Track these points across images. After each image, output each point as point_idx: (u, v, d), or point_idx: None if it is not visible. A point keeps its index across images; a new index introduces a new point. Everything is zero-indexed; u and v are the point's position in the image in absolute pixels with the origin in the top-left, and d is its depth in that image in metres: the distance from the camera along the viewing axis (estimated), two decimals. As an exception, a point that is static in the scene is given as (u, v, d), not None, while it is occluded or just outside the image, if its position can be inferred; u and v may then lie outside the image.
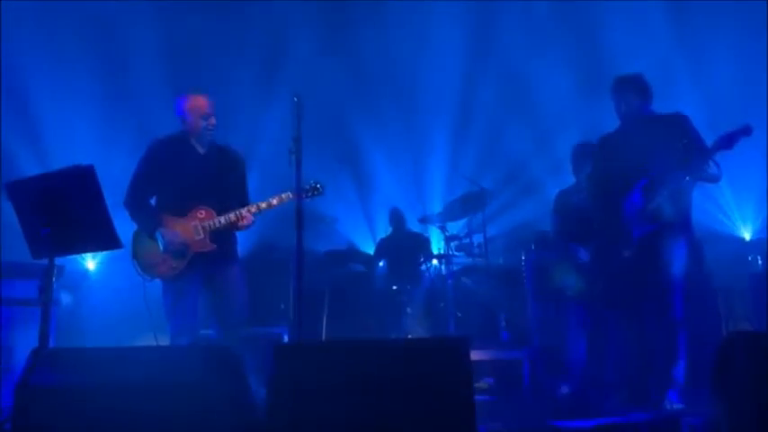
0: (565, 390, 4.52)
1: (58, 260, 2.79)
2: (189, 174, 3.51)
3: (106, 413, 1.97)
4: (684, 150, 3.56)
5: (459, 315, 5.64)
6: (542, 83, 5.83)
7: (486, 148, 6.32)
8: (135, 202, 3.53)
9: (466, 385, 1.95)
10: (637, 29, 5.57)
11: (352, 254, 6.27)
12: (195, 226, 3.45)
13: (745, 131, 3.34)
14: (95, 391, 2.01)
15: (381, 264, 6.31)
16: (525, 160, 6.10)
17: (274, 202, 3.49)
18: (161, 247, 3.40)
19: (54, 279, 2.75)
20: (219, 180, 3.56)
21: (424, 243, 6.34)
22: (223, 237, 3.51)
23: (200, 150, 3.61)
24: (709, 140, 3.49)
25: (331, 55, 6.15)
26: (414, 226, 6.51)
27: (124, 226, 3.12)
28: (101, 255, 5.69)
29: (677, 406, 3.43)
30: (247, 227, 3.53)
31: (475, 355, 4.95)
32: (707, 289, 4.89)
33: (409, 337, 5.39)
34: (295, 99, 3.44)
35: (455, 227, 6.35)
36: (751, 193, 5.73)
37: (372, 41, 6.15)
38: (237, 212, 3.47)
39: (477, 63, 6.21)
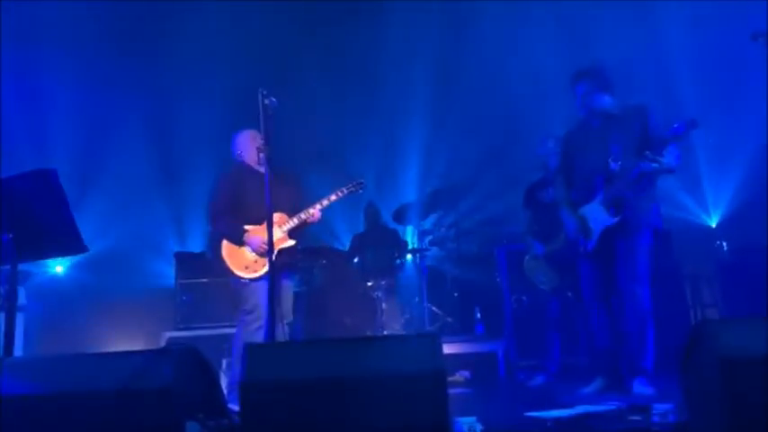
0: (540, 381, 4.58)
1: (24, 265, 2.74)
2: (258, 190, 3.90)
3: (74, 422, 1.93)
4: (640, 142, 3.63)
5: (435, 309, 5.66)
6: (521, 76, 5.84)
7: (461, 141, 6.32)
8: (222, 221, 4.10)
9: (439, 380, 1.95)
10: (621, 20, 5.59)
11: (326, 250, 6.24)
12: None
13: (692, 124, 3.42)
14: (62, 399, 1.97)
15: (356, 260, 6.30)
16: (501, 154, 6.10)
17: (333, 197, 4.12)
18: (250, 251, 4.01)
19: (19, 285, 2.69)
20: (280, 191, 3.96)
21: (398, 238, 6.35)
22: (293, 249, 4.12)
23: (261, 170, 4.04)
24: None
25: (305, 51, 6.11)
26: (388, 221, 6.50)
27: (90, 230, 3.07)
28: (69, 259, 5.58)
29: (647, 392, 3.50)
30: (316, 221, 4.14)
31: (450, 349, 4.98)
32: (675, 276, 4.99)
33: (385, 333, 5.39)
34: (266, 100, 3.42)
35: (429, 221, 6.36)
36: (717, 178, 5.81)
37: (347, 36, 6.12)
38: (306, 211, 4.06)
39: (454, 55, 6.20)
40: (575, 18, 5.62)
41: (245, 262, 4.05)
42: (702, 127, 3.45)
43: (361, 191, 4.25)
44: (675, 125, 3.47)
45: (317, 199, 4.13)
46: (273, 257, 3.90)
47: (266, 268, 3.95)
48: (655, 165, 3.52)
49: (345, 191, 4.16)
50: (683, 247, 5.17)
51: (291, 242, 4.10)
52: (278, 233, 4.00)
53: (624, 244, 3.70)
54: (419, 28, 6.18)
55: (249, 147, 4.17)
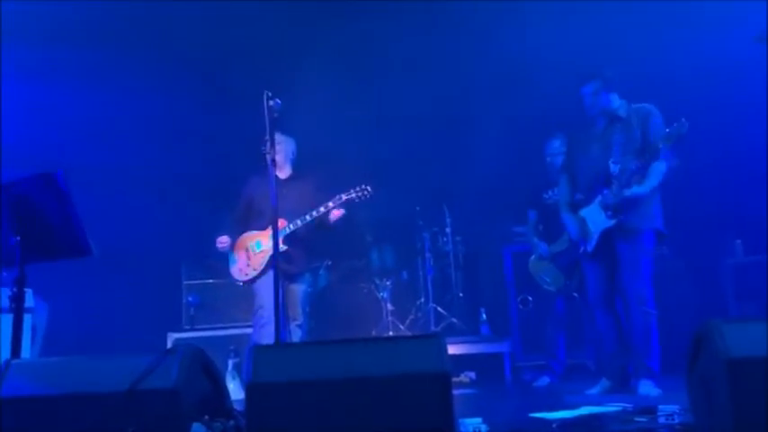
0: (545, 381, 4.58)
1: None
2: (267, 196, 3.97)
3: (80, 423, 1.94)
4: (641, 144, 3.65)
5: (440, 310, 5.66)
6: (529, 76, 5.79)
7: (469, 142, 6.28)
8: (232, 228, 4.32)
9: (444, 381, 1.95)
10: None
11: (332, 251, 6.24)
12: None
13: (681, 128, 3.45)
14: (68, 400, 1.99)
15: (361, 261, 6.30)
16: (510, 153, 6.05)
17: (330, 204, 4.07)
18: (244, 254, 4.20)
19: (26, 288, 2.70)
20: (293, 197, 4.05)
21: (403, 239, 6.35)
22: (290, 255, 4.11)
23: (281, 176, 4.19)
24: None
25: (310, 51, 6.08)
26: (393, 222, 6.49)
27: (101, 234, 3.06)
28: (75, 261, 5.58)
29: (653, 394, 3.49)
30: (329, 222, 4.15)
31: (456, 349, 4.99)
32: (682, 277, 4.98)
33: (390, 334, 5.39)
34: (271, 102, 3.41)
35: (435, 222, 6.34)
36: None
37: (355, 35, 6.08)
38: (302, 218, 4.06)
39: (463, 57, 6.15)
40: (580, 21, 5.58)
41: (239, 265, 4.22)
42: (694, 128, 3.47)
43: (366, 197, 4.10)
44: (667, 129, 3.51)
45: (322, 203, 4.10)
46: (266, 263, 4.08)
47: (257, 272, 4.13)
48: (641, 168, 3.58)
49: (345, 197, 4.07)
50: (690, 248, 5.15)
51: (284, 248, 4.00)
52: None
53: (627, 246, 3.71)
54: (429, 27, 6.13)
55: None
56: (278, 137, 3.96)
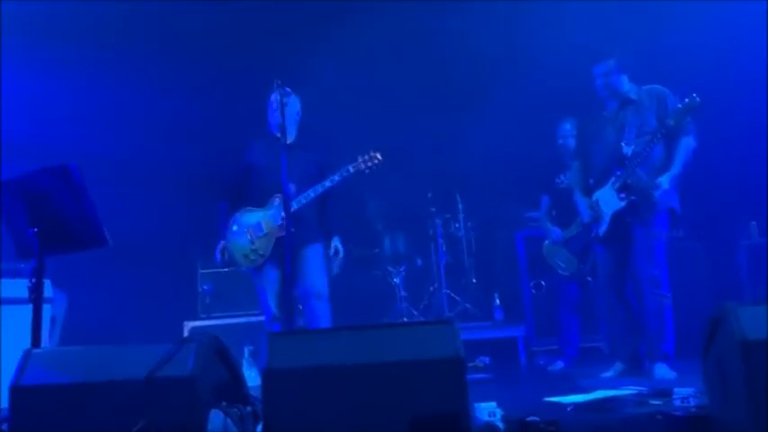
0: (560, 365, 4.58)
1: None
2: (267, 164, 3.74)
3: (99, 411, 1.98)
4: (656, 126, 3.62)
5: (453, 296, 5.67)
6: (538, 63, 5.74)
7: (481, 126, 6.24)
8: (220, 205, 3.98)
9: (458, 366, 1.96)
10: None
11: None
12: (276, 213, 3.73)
13: (692, 104, 3.47)
14: (89, 389, 2.02)
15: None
16: (522, 139, 6.02)
17: (337, 178, 3.70)
18: (248, 237, 3.80)
19: (44, 279, 2.74)
20: (297, 168, 3.64)
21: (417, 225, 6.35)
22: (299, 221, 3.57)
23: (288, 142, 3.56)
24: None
25: (320, 38, 6.06)
26: (405, 207, 6.48)
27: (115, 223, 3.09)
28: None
29: (668, 377, 3.48)
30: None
31: (470, 335, 5.00)
32: (698, 259, 4.95)
33: (404, 320, 5.41)
34: (281, 88, 3.41)
35: (448, 207, 6.33)
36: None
37: (365, 20, 6.05)
38: (306, 195, 3.69)
39: (471, 45, 6.10)
40: (589, 2, 5.51)
41: (241, 250, 3.81)
42: (710, 109, 3.45)
43: (376, 165, 3.66)
44: (679, 105, 3.49)
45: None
46: (271, 249, 3.68)
47: (264, 258, 3.74)
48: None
49: (353, 169, 3.68)
50: (705, 230, 5.11)
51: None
52: (275, 220, 3.70)
53: (640, 229, 3.69)
54: (440, 10, 6.08)
55: (269, 113, 3.89)
56: (273, 99, 3.67)
